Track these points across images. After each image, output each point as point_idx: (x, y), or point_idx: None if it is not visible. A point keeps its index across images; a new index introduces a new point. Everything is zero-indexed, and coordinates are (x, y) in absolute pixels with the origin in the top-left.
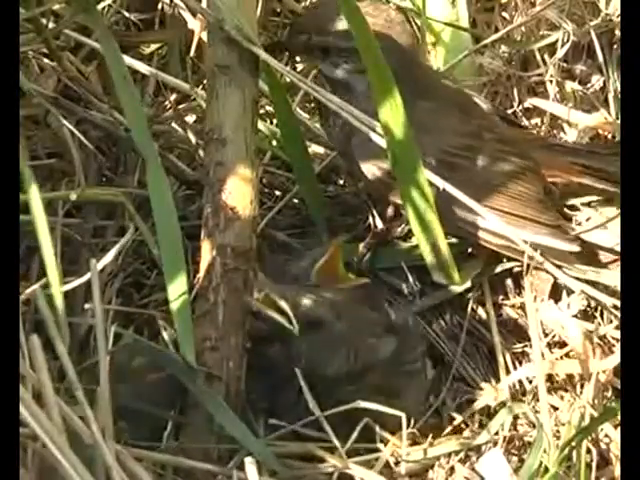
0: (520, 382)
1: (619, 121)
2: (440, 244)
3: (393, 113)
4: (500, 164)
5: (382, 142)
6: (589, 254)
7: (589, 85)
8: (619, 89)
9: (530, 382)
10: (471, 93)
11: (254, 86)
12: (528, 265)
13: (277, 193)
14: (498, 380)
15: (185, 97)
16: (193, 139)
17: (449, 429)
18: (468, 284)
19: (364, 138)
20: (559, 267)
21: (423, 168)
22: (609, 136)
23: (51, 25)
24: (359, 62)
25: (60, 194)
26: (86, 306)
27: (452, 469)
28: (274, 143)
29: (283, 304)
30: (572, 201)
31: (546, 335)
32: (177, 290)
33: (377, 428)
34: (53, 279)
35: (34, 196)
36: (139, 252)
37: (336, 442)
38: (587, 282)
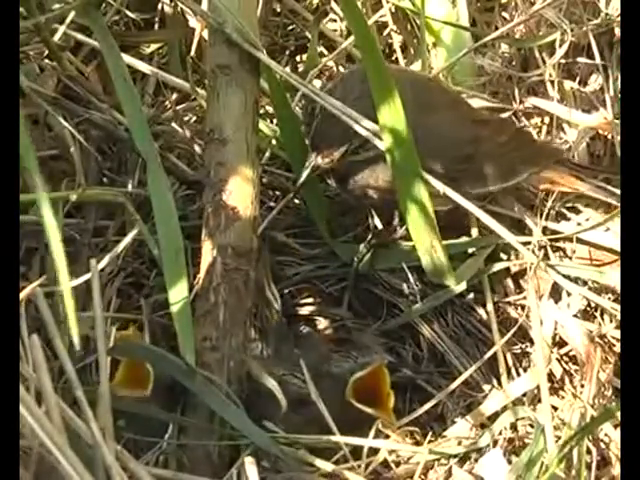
0: (521, 382)
1: (619, 121)
2: (437, 245)
3: (392, 116)
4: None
5: (381, 145)
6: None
7: (588, 85)
8: (619, 89)
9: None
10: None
11: (255, 86)
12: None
13: (277, 193)
14: (499, 380)
15: (185, 97)
16: (192, 138)
17: (449, 429)
18: (464, 285)
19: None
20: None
21: (421, 170)
22: (609, 136)
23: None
24: None
25: (60, 194)
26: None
27: (452, 470)
28: (274, 143)
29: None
30: (572, 202)
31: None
32: (177, 290)
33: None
34: (64, 279)
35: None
36: (139, 252)
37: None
38: (586, 283)
